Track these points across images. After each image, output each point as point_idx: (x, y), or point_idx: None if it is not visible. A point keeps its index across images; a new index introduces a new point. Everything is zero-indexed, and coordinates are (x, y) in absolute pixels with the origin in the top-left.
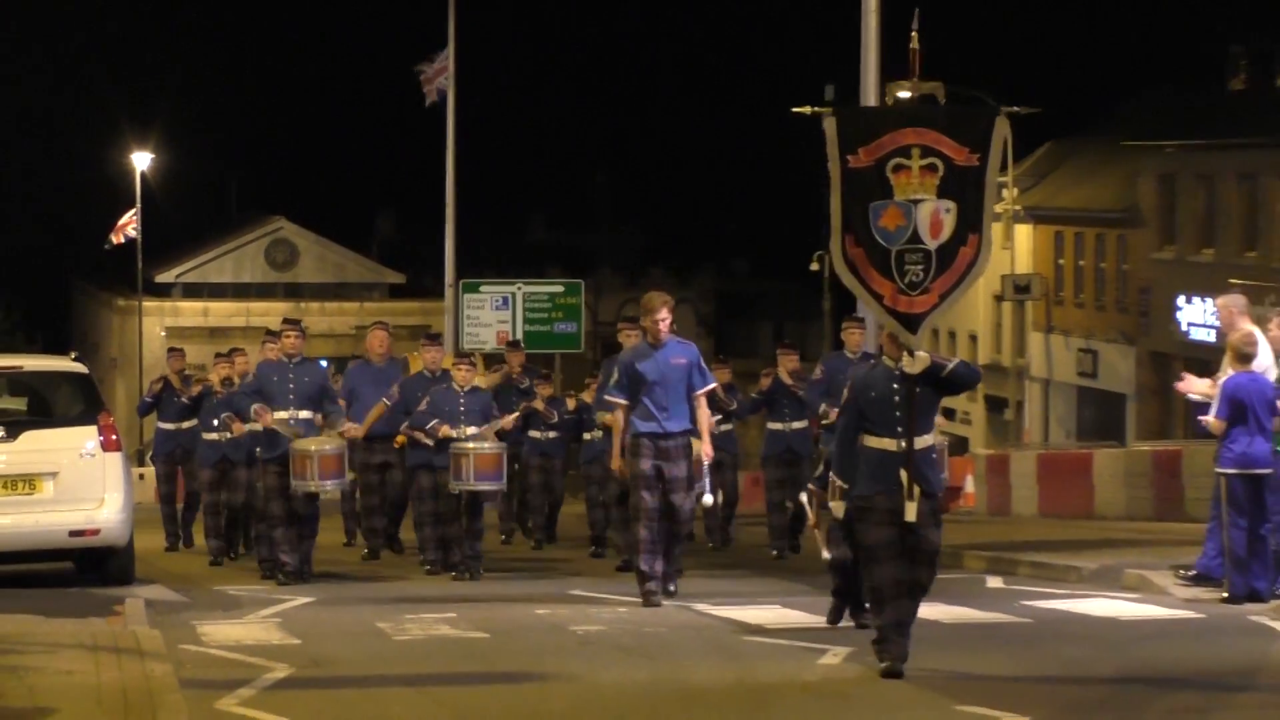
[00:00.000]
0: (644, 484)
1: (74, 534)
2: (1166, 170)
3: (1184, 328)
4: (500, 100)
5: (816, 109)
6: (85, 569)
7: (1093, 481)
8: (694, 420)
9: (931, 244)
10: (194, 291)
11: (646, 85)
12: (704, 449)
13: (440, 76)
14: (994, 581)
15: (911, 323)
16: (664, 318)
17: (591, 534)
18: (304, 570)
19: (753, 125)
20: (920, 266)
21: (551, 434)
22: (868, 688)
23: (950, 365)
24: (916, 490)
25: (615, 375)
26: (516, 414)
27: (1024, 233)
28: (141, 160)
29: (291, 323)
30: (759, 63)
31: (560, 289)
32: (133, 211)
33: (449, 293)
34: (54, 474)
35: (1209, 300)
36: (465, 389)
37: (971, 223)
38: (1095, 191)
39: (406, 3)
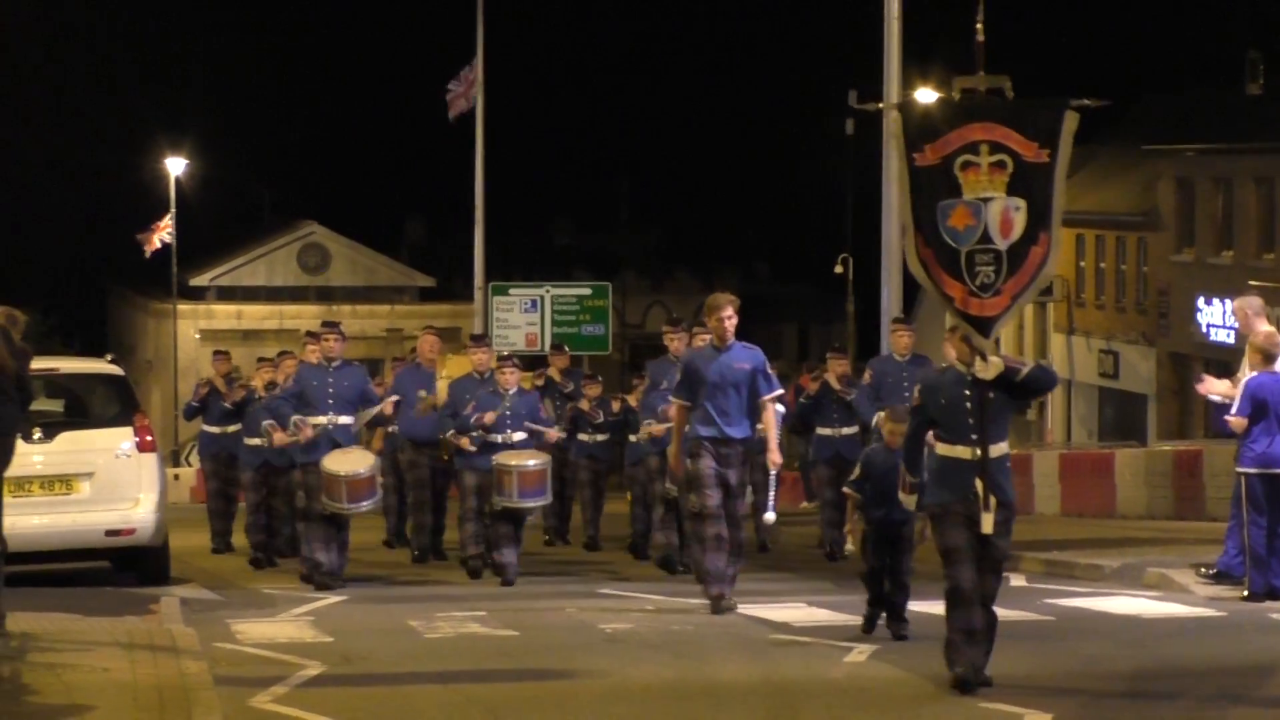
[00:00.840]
0: (706, 483)
1: (110, 533)
2: (1185, 174)
3: (1203, 329)
4: (527, 107)
5: (880, 105)
6: (121, 568)
7: (1114, 481)
8: (756, 427)
9: (1002, 244)
10: (227, 295)
11: (669, 90)
12: (771, 457)
13: (470, 89)
14: (1017, 580)
15: (984, 326)
16: (729, 316)
17: (632, 537)
18: (337, 575)
19: (775, 128)
20: (991, 267)
21: (599, 436)
22: (893, 686)
23: (1025, 370)
24: (993, 501)
25: (679, 375)
26: (558, 431)
27: None
28: (176, 166)
29: (331, 325)
30: (781, 67)
31: (588, 291)
32: (168, 217)
33: (478, 295)
34: (90, 474)
35: (1227, 302)
36: (510, 391)
37: (1042, 221)
38: (1115, 195)
39: (435, 14)
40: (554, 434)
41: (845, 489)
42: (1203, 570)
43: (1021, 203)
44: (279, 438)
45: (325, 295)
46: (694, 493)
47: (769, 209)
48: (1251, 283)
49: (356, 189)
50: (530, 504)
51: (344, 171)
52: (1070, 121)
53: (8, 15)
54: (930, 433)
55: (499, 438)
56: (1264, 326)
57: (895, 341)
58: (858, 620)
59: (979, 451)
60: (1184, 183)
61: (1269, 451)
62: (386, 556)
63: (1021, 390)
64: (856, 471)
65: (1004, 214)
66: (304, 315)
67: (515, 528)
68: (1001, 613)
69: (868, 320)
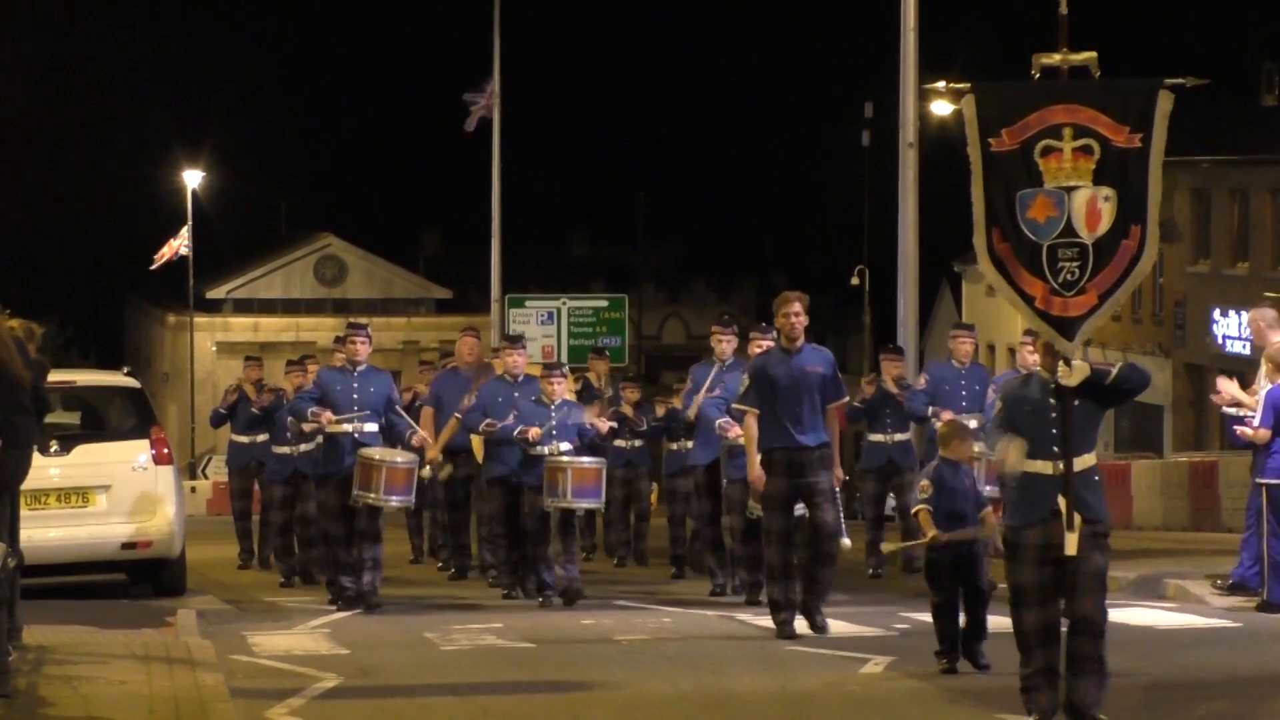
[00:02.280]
0: (773, 504)
1: (126, 546)
2: (1201, 185)
3: (1219, 340)
4: (543, 119)
5: (952, 85)
6: (138, 580)
7: (1131, 492)
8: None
9: (1088, 237)
10: (244, 307)
11: (687, 103)
12: (835, 470)
13: (489, 101)
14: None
15: (1067, 327)
16: (796, 313)
17: (672, 553)
18: (370, 598)
19: (791, 141)
20: (1076, 263)
21: (637, 442)
22: (909, 696)
23: (1115, 371)
24: (1077, 519)
25: (745, 381)
26: (609, 423)
27: None
28: (193, 178)
29: (358, 327)
30: (797, 79)
31: (604, 303)
32: (184, 229)
33: (495, 308)
34: (107, 487)
35: (1243, 313)
36: (555, 403)
37: (1134, 213)
38: None
39: (452, 27)
40: (605, 424)
41: (917, 509)
42: (1218, 582)
43: (1111, 192)
44: (306, 427)
45: (342, 308)
46: (763, 512)
47: (785, 221)
48: (1267, 294)
49: (373, 201)
50: (585, 504)
51: (361, 184)
52: (1165, 102)
53: (27, 30)
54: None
55: (545, 450)
56: (1278, 338)
57: (956, 348)
58: (874, 631)
59: (1061, 466)
60: (1200, 194)
61: None
62: (413, 571)
63: (1112, 394)
64: (926, 489)
65: (1090, 204)
66: (321, 328)
67: (567, 540)
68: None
69: (883, 332)
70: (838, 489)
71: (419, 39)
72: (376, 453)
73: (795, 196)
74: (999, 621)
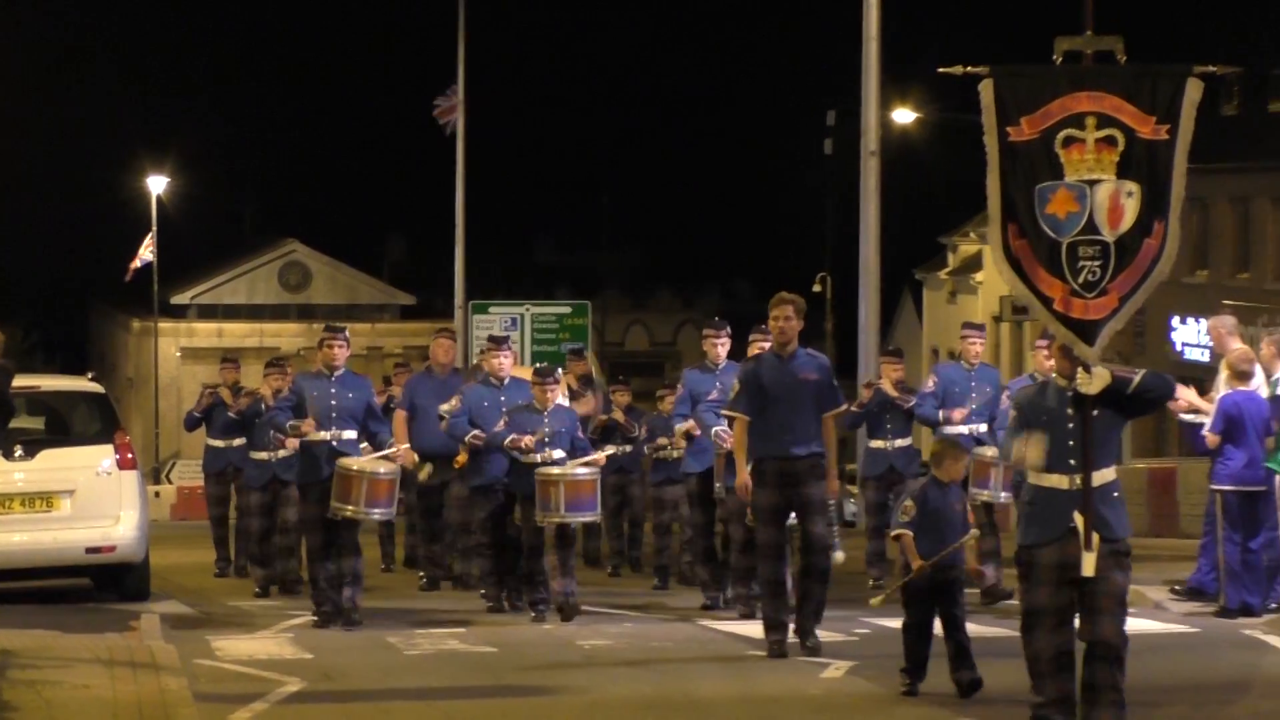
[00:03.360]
0: (763, 517)
1: (90, 550)
2: None
3: (1178, 348)
4: (507, 126)
5: (969, 69)
6: (102, 585)
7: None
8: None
9: (1110, 235)
10: (208, 313)
11: (651, 110)
12: (830, 482)
13: (452, 110)
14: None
15: (1087, 331)
16: (787, 317)
17: (656, 563)
18: (350, 614)
19: (754, 149)
20: (1097, 262)
21: (627, 448)
22: (869, 701)
23: (1137, 379)
24: (1096, 538)
25: (736, 386)
26: (604, 453)
27: None
28: (157, 184)
29: (335, 331)
30: (760, 88)
31: (568, 310)
32: (150, 236)
33: (459, 314)
34: (71, 492)
35: (1202, 321)
36: (548, 410)
37: (1158, 208)
38: None
39: (418, 36)
40: (602, 457)
41: (896, 531)
42: (1176, 587)
43: (1135, 187)
44: (291, 443)
45: (306, 313)
46: (755, 524)
47: (749, 228)
48: (1225, 302)
49: (337, 207)
50: (580, 518)
51: (325, 190)
52: (1193, 91)
53: None
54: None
55: (537, 457)
56: (1237, 345)
57: (965, 349)
58: (835, 636)
59: (1079, 480)
60: None
61: (1245, 469)
62: (384, 580)
63: (1135, 404)
64: (909, 510)
65: (1113, 199)
66: (285, 333)
67: (564, 554)
68: (980, 629)
69: (845, 338)
70: (832, 501)
71: (384, 47)
72: (355, 463)
73: (759, 203)
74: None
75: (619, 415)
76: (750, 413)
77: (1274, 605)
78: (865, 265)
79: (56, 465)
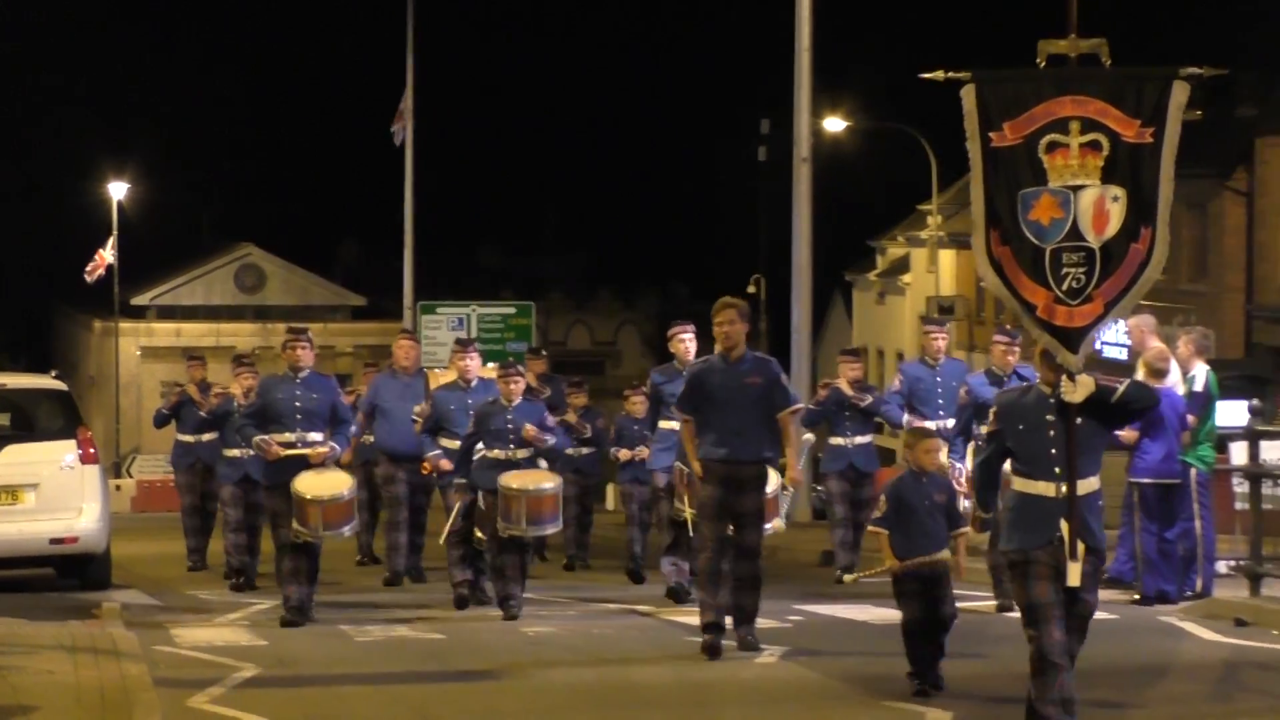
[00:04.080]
0: (706, 512)
1: (54, 541)
2: None
3: (1097, 345)
4: (455, 135)
5: (951, 74)
6: (65, 574)
7: None
8: (778, 444)
9: (1095, 241)
10: (167, 313)
11: (593, 119)
12: (790, 473)
13: (402, 120)
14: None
15: (1071, 339)
16: (730, 321)
17: (628, 553)
18: (299, 612)
19: (693, 155)
20: (1081, 269)
21: (584, 450)
22: (802, 686)
23: (1121, 389)
24: (1081, 547)
25: (684, 388)
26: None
27: (947, 257)
28: (118, 190)
29: (298, 332)
30: (698, 97)
31: (512, 310)
32: (110, 240)
33: (408, 314)
34: (35, 485)
35: (1121, 321)
36: (513, 404)
37: (1145, 214)
38: None
39: (369, 50)
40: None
41: (871, 527)
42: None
43: (1120, 192)
44: (269, 457)
45: (261, 314)
46: (700, 520)
47: (687, 232)
48: (1144, 303)
49: (291, 212)
50: (541, 532)
51: (280, 195)
52: (1180, 93)
53: None
54: (1008, 465)
55: (503, 454)
56: (1155, 343)
57: (928, 344)
58: (769, 623)
59: (1064, 488)
60: None
61: (1161, 462)
62: (357, 579)
63: (1118, 413)
64: (882, 505)
65: (1098, 205)
66: (240, 333)
67: (521, 557)
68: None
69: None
70: (791, 491)
71: (337, 62)
72: (315, 492)
73: (696, 209)
74: (883, 614)
75: (571, 417)
76: (692, 414)
77: (1189, 593)
78: (798, 267)
79: (21, 460)
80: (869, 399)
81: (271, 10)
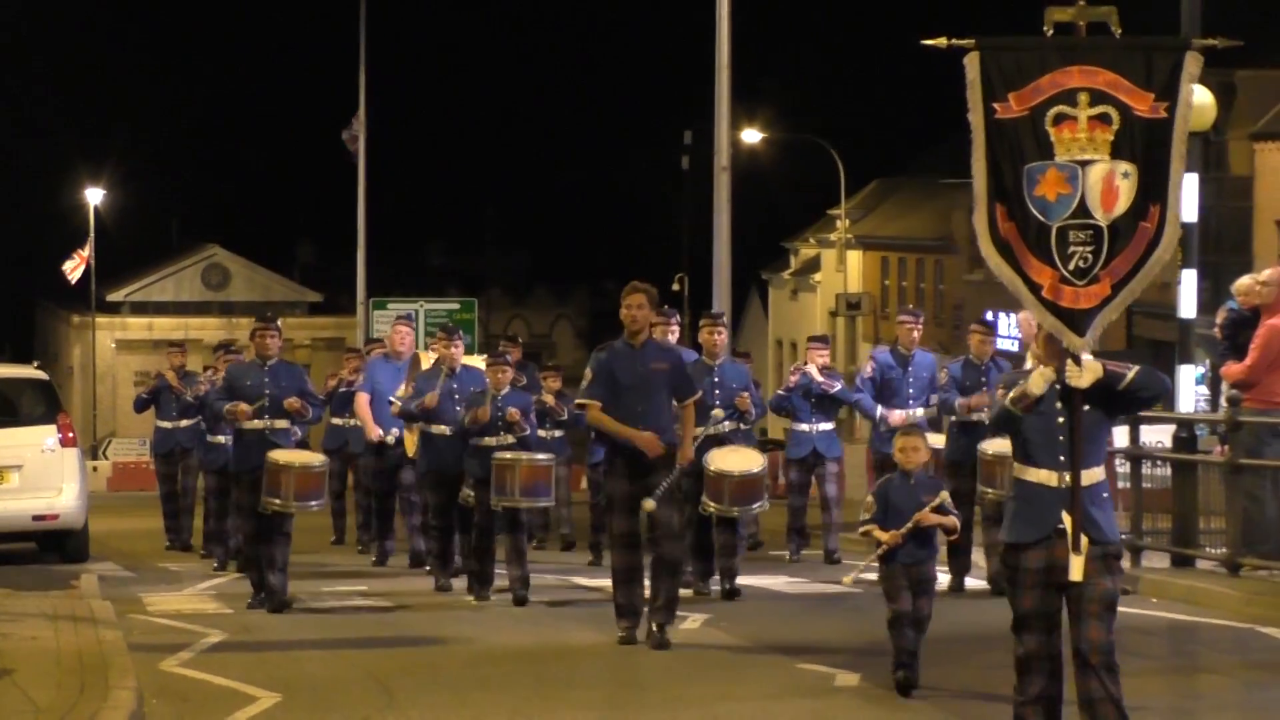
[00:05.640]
0: (616, 506)
1: (36, 518)
2: None
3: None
4: (404, 144)
5: (954, 41)
6: (46, 548)
7: None
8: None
9: (1103, 218)
10: (140, 309)
11: (532, 129)
12: (683, 452)
13: (356, 142)
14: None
15: (1077, 320)
16: (638, 305)
17: (592, 539)
18: (277, 598)
19: (623, 164)
20: (1089, 248)
21: (557, 432)
22: (722, 649)
23: (1130, 375)
24: (1084, 540)
25: (588, 375)
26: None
27: (855, 258)
28: (95, 196)
29: (267, 322)
30: (629, 110)
31: (456, 306)
32: (88, 243)
33: (360, 309)
34: (19, 466)
35: (1013, 315)
36: (501, 393)
37: (1155, 192)
38: (915, 223)
39: (323, 68)
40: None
41: (863, 530)
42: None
43: (1130, 168)
44: (241, 421)
45: (226, 309)
46: (608, 514)
47: (617, 234)
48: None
49: (254, 216)
50: (534, 503)
51: (243, 200)
52: (1193, 65)
53: None
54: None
55: (492, 442)
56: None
57: (902, 334)
58: (691, 593)
59: (1067, 477)
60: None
61: None
62: (336, 556)
63: (1126, 401)
64: (870, 506)
65: (1107, 181)
66: (207, 327)
67: (515, 537)
68: (813, 587)
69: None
70: (678, 467)
71: (294, 78)
72: (284, 456)
73: (625, 213)
74: (798, 586)
75: (549, 399)
76: (599, 399)
77: None
78: (718, 267)
79: (6, 443)
80: (837, 385)
81: (233, 36)
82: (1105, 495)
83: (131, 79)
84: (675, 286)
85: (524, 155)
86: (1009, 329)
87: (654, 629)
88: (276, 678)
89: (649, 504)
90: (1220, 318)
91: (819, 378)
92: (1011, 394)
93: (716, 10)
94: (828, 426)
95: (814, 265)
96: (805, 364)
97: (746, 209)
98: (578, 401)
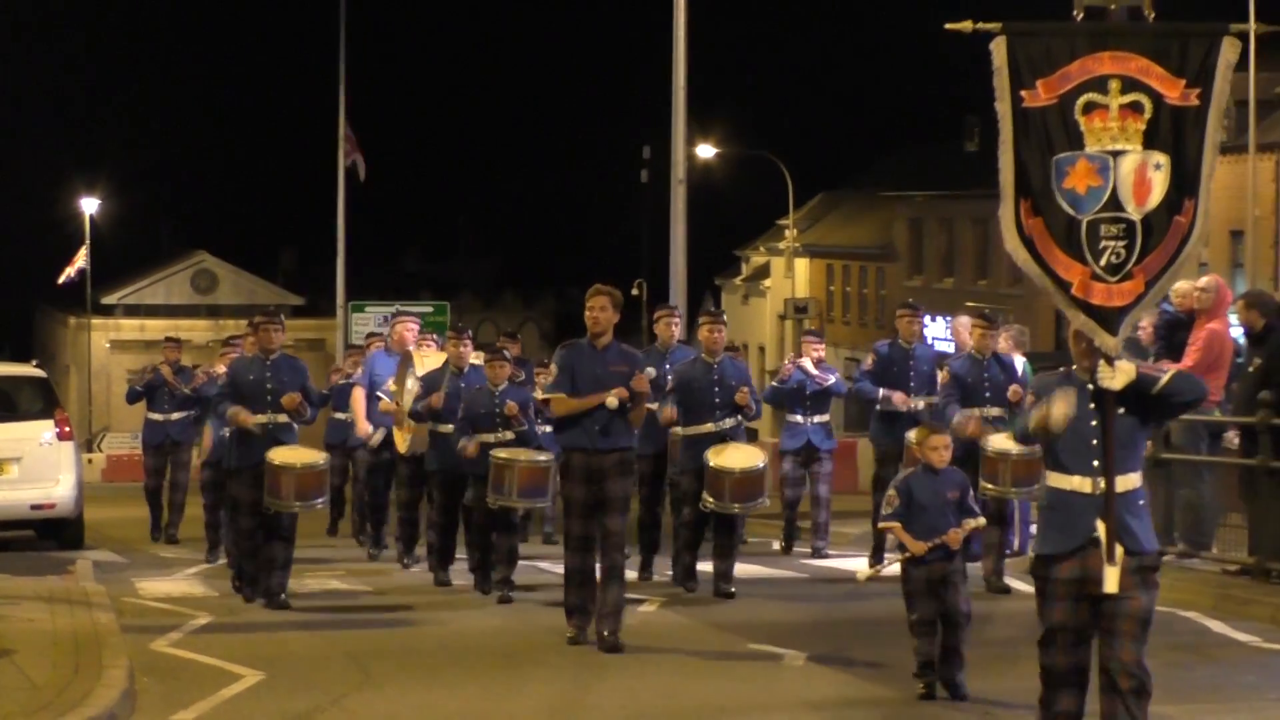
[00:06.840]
0: (571, 510)
1: (34, 507)
2: (915, 215)
3: (929, 341)
4: (382, 155)
5: (979, 25)
6: (44, 536)
7: (857, 464)
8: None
9: (1136, 212)
10: (133, 311)
11: (503, 143)
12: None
13: (353, 153)
14: (777, 545)
15: (1110, 319)
16: (601, 308)
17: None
18: (276, 597)
19: (587, 176)
20: (1121, 242)
21: (548, 428)
22: (677, 631)
23: (1165, 379)
24: (1119, 551)
25: (553, 372)
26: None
27: (802, 265)
28: (90, 205)
29: (271, 315)
30: (593, 126)
31: (430, 309)
32: (83, 249)
33: (340, 312)
34: (18, 459)
35: (949, 319)
36: (500, 388)
37: (1189, 183)
38: (859, 232)
39: (307, 81)
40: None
41: (884, 525)
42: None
43: (1163, 159)
44: (249, 424)
45: (214, 312)
46: (565, 517)
47: (580, 242)
48: (968, 304)
49: (240, 224)
50: (530, 504)
51: (230, 209)
52: (1230, 52)
53: None
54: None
55: (491, 438)
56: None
57: (902, 327)
58: (659, 579)
59: (1101, 484)
60: (914, 223)
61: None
62: (334, 552)
63: (1160, 406)
64: (893, 500)
65: (1140, 173)
66: (196, 329)
67: (507, 537)
68: (764, 571)
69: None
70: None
71: (278, 93)
72: (290, 457)
73: (588, 222)
74: (750, 570)
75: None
76: (563, 393)
77: (1008, 552)
78: (674, 273)
79: (6, 437)
80: (831, 379)
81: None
82: (1141, 503)
83: (125, 95)
84: (635, 291)
85: (495, 168)
86: (945, 332)
87: (604, 634)
88: (260, 657)
89: (612, 401)
90: (1152, 319)
91: (814, 371)
92: (1033, 423)
93: (673, 35)
94: (822, 419)
95: (764, 272)
96: (800, 357)
97: (701, 219)
98: (542, 397)
